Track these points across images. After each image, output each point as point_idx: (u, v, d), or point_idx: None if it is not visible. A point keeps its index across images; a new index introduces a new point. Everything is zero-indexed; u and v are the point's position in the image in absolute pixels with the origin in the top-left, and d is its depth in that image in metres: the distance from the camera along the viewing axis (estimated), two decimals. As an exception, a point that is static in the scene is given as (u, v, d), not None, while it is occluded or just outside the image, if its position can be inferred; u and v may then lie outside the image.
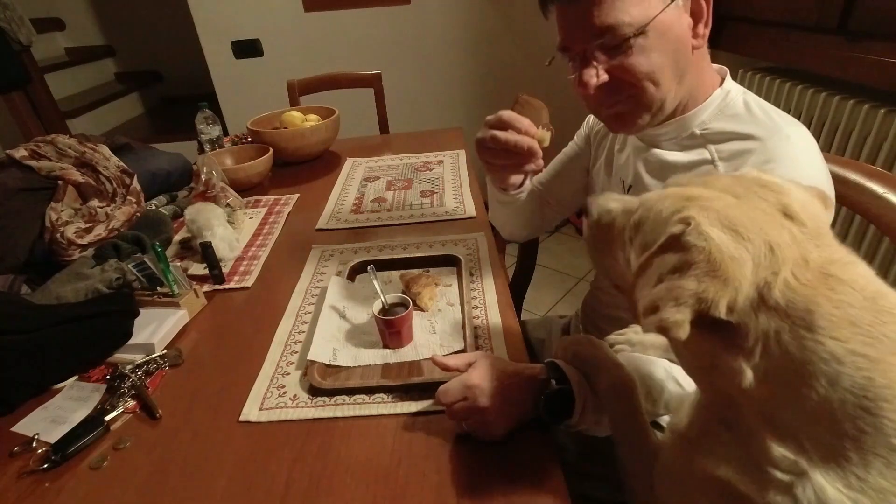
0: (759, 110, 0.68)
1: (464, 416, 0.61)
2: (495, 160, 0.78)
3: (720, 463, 0.42)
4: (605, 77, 0.66)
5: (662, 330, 0.36)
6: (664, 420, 0.77)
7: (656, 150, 0.75)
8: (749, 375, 0.37)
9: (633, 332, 0.70)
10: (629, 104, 0.69)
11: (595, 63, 0.65)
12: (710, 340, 0.38)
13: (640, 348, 0.67)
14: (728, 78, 0.72)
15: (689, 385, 0.64)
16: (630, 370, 0.62)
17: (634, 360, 0.66)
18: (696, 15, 0.66)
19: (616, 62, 0.65)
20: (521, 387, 0.62)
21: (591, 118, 0.97)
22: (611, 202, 0.51)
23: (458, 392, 0.60)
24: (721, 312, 0.36)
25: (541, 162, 0.76)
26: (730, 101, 0.70)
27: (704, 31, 0.66)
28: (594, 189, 0.93)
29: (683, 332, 0.36)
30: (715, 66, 0.74)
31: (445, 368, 0.66)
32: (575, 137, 1.01)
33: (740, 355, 0.37)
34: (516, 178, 0.85)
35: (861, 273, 0.37)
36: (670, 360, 0.64)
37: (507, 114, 0.75)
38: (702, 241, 0.36)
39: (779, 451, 0.38)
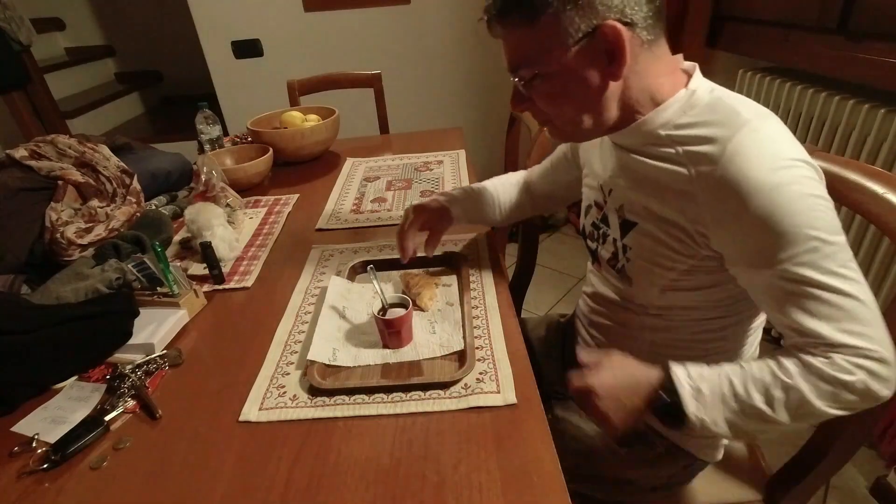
0: (725, 105, 0.63)
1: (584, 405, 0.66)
2: None
3: None
4: (525, 105, 0.70)
5: None
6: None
7: (634, 157, 0.72)
8: None
9: None
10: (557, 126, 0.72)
11: (521, 90, 0.69)
12: None
13: None
14: (696, 75, 0.68)
15: None
16: None
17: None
18: (610, 54, 0.61)
19: (531, 95, 0.69)
20: (637, 393, 0.65)
21: None
22: None
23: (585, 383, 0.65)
24: None
25: None
26: (695, 100, 0.65)
27: (619, 68, 0.62)
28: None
29: None
30: (687, 63, 0.69)
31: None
32: None
33: None
34: None
35: None
36: None
37: None
38: None
39: None
